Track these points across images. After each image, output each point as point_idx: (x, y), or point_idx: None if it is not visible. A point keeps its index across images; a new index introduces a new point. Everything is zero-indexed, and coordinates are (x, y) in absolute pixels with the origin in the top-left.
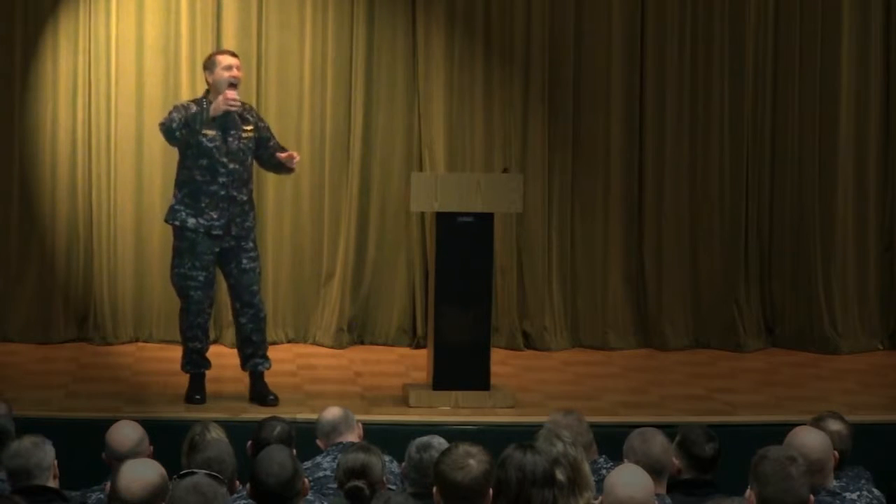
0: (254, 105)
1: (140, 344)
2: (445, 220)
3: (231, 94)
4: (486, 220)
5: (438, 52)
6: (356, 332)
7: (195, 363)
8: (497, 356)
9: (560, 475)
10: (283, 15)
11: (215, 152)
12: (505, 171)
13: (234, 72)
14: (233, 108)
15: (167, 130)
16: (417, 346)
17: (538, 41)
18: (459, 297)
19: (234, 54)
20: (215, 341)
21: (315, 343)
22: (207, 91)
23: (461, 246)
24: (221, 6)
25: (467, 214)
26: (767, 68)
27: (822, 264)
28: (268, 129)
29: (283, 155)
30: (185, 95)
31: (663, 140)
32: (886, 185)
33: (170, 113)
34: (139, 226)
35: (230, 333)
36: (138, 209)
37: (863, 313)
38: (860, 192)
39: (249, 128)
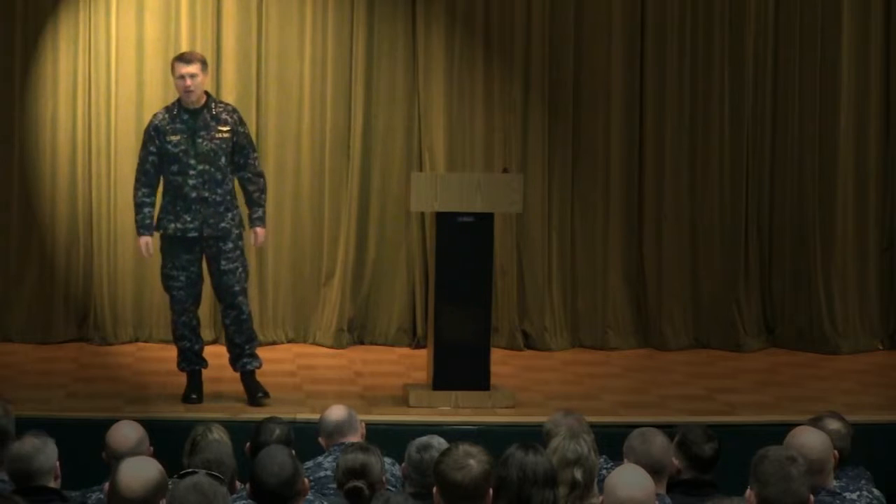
0: (253, 105)
1: (140, 344)
2: (445, 220)
3: (145, 247)
4: (486, 220)
5: (438, 52)
6: (356, 332)
7: (189, 361)
8: (497, 356)
9: (578, 475)
10: (284, 15)
11: (182, 156)
12: (505, 171)
13: (187, 81)
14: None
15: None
16: (417, 346)
17: (538, 41)
18: (459, 297)
19: (189, 60)
20: (214, 341)
21: (315, 343)
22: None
23: (461, 246)
24: (221, 6)
25: (467, 214)
26: (767, 67)
27: (822, 264)
28: (247, 137)
29: (253, 236)
30: None
31: (663, 140)
32: (886, 185)
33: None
34: None
35: None
36: None
37: (863, 313)
38: (860, 192)
39: (225, 128)
